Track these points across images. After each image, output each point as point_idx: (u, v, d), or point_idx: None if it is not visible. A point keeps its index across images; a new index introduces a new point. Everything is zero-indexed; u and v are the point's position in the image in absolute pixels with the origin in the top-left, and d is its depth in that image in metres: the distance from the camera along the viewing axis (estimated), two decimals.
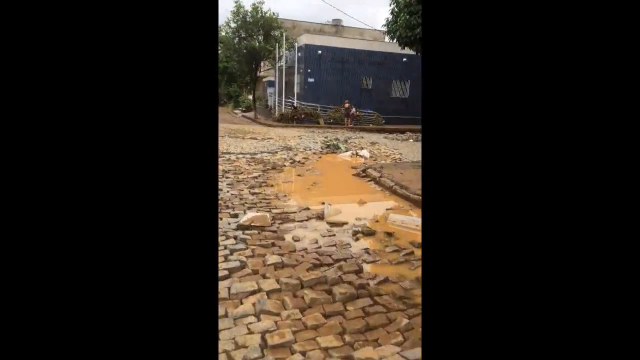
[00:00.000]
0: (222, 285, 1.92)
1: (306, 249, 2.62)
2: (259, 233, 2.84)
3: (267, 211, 3.45)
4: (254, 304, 1.77)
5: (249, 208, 3.51)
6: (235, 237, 2.66)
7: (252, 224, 2.98)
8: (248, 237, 2.72)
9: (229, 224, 3.01)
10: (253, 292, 1.87)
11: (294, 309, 1.75)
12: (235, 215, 3.23)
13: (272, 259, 2.29)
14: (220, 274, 2.04)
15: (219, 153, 6.52)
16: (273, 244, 2.62)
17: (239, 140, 8.76)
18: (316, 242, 2.78)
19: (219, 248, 2.40)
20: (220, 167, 5.32)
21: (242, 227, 2.92)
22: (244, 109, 22.99)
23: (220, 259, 2.25)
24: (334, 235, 2.99)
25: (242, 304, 1.78)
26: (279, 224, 3.15)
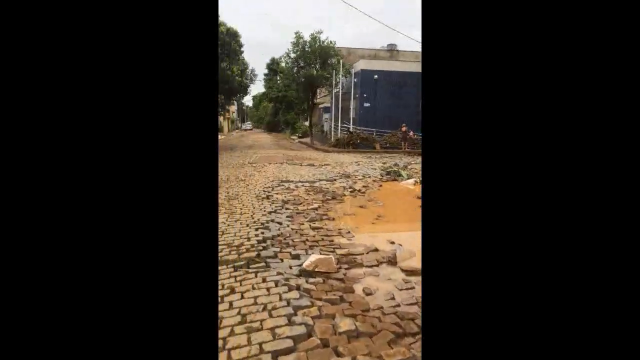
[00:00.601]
0: None
1: (382, 307, 2.16)
2: (324, 282, 2.46)
3: (331, 251, 3.07)
4: None
5: (311, 247, 3.17)
6: (298, 288, 2.31)
7: (316, 270, 2.62)
8: (312, 287, 2.35)
9: (291, 267, 2.68)
10: None
11: None
12: (297, 257, 2.91)
13: (344, 324, 1.87)
14: (285, 344, 1.68)
15: (279, 182, 6.42)
16: (342, 299, 2.21)
17: (297, 167, 8.68)
18: (392, 298, 2.30)
19: (282, 304, 2.06)
20: (280, 197, 5.15)
21: (305, 273, 2.57)
22: (300, 134, 23.59)
23: (283, 319, 1.90)
24: (413, 287, 2.48)
25: None
26: (346, 269, 2.74)
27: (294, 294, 2.21)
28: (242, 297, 2.13)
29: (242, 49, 14.36)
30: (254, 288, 2.26)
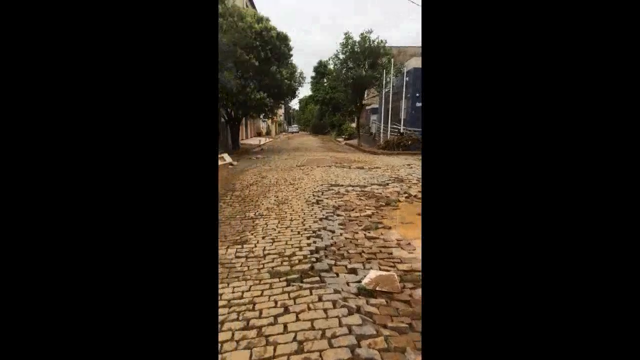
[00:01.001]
0: None
1: None
2: (387, 304, 2.15)
3: (391, 266, 2.75)
4: None
5: (368, 260, 2.87)
6: (358, 310, 2.03)
7: (377, 289, 2.31)
8: (375, 309, 2.05)
9: (348, 284, 2.40)
10: None
11: None
12: (354, 271, 2.63)
13: None
14: None
15: (328, 185, 6.19)
16: (411, 327, 1.88)
17: (346, 170, 8.41)
18: None
19: (343, 331, 1.79)
20: (330, 202, 4.91)
21: (364, 292, 2.29)
22: (346, 136, 23.31)
23: (346, 352, 1.63)
24: None
25: None
26: (411, 289, 2.39)
27: (355, 318, 1.93)
28: (297, 319, 1.91)
29: (291, 52, 14.46)
30: (309, 308, 2.02)
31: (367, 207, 4.66)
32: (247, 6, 19.88)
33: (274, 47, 13.19)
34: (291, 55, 14.56)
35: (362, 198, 5.25)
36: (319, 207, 4.62)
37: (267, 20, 13.28)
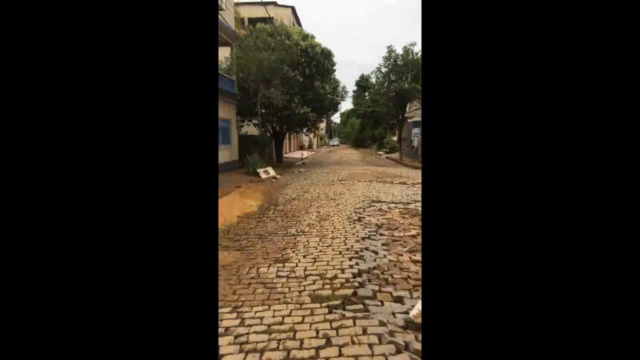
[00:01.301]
0: None
1: None
2: None
3: None
4: None
5: (415, 287, 2.66)
6: (406, 346, 1.85)
7: None
8: None
9: (394, 314, 2.23)
10: None
11: None
12: (400, 299, 2.45)
13: None
14: None
15: (370, 202, 6.02)
16: None
17: (388, 185, 8.16)
18: None
19: None
20: (373, 220, 4.74)
21: (412, 325, 2.10)
22: (387, 150, 22.89)
23: None
24: None
25: None
26: None
27: (404, 358, 1.75)
28: (340, 354, 1.78)
29: (334, 68, 14.64)
30: (353, 342, 1.89)
31: (411, 227, 4.43)
32: (293, 24, 20.62)
33: (318, 63, 13.43)
34: (334, 71, 14.74)
35: (405, 216, 5.01)
36: (360, 225, 4.47)
37: (312, 37, 13.61)
